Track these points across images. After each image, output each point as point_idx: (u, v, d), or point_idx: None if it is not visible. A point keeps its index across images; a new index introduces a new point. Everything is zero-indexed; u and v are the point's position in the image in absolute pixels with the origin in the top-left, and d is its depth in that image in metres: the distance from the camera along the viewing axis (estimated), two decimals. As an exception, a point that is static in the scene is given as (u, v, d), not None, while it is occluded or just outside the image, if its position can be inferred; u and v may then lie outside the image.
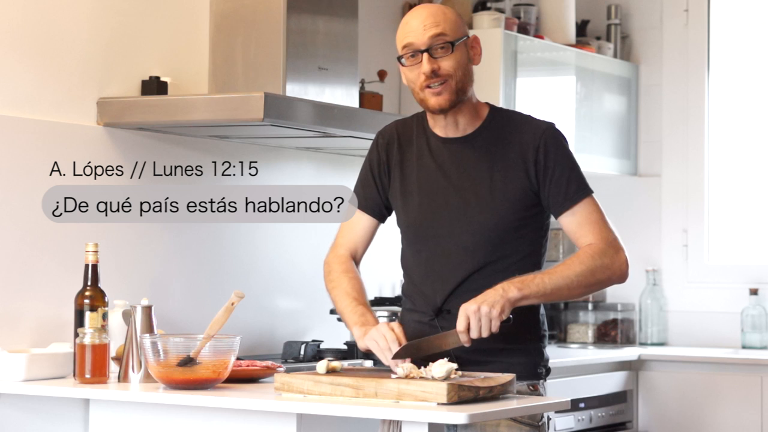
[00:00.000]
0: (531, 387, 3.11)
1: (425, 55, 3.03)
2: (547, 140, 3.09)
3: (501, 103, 4.91)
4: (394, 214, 3.24)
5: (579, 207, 3.08)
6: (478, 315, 2.92)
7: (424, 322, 3.11)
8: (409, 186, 3.17)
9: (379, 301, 4.72)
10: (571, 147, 5.27)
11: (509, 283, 2.97)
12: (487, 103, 3.19)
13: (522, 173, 3.08)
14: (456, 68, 3.04)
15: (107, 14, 3.92)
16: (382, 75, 4.63)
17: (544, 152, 3.08)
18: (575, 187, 3.08)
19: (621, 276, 3.12)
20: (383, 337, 2.97)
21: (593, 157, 5.49)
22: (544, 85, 5.34)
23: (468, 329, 2.94)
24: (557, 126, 3.16)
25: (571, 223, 3.09)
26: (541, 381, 3.16)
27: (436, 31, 3.03)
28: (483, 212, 3.08)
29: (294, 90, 4.05)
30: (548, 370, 3.19)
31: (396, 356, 2.93)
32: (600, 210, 3.11)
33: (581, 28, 5.65)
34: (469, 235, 3.09)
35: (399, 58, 3.08)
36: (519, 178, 3.08)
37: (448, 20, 3.05)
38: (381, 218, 3.26)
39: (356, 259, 3.26)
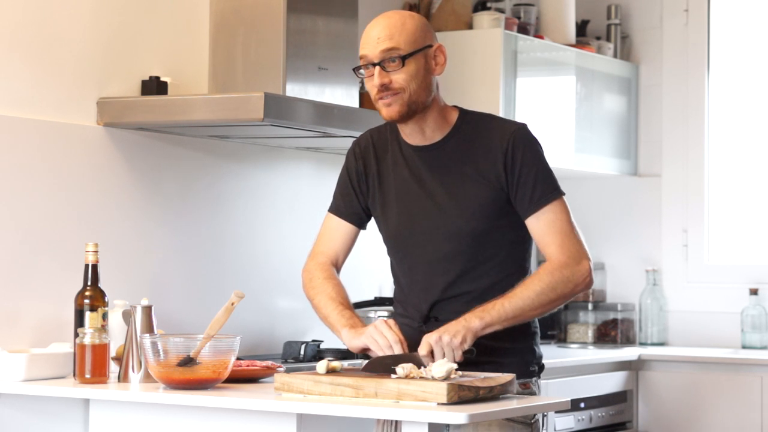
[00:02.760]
0: (522, 386, 3.12)
1: (377, 68, 3.02)
2: (515, 142, 3.07)
3: (501, 103, 4.91)
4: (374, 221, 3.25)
5: (543, 212, 3.06)
6: (440, 344, 2.95)
7: (413, 327, 3.12)
8: (387, 196, 3.17)
9: (379, 301, 4.72)
10: (571, 147, 5.35)
11: (471, 314, 2.98)
12: (455, 107, 3.17)
13: (493, 177, 3.07)
14: (409, 81, 3.02)
15: (107, 14, 3.92)
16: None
17: (511, 155, 3.06)
18: (540, 191, 3.06)
19: (584, 285, 3.07)
20: (382, 335, 2.98)
21: (593, 157, 5.49)
22: (544, 85, 5.34)
23: (432, 357, 2.95)
24: (528, 127, 3.13)
25: (535, 229, 3.08)
26: (534, 379, 3.17)
27: (388, 45, 3.01)
28: (458, 219, 3.08)
29: (294, 90, 4.05)
30: (541, 368, 3.19)
31: (366, 368, 2.93)
32: (566, 215, 3.08)
33: (581, 28, 5.65)
34: (447, 243, 3.09)
35: (356, 69, 3.08)
36: (491, 183, 3.07)
37: (405, 32, 3.02)
38: (361, 225, 3.26)
39: (337, 268, 3.26)
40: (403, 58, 3.01)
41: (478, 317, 2.97)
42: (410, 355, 2.96)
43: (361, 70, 3.07)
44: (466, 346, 2.96)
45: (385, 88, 3.02)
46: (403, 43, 3.02)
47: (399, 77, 3.02)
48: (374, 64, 3.03)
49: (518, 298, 3.00)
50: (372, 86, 3.05)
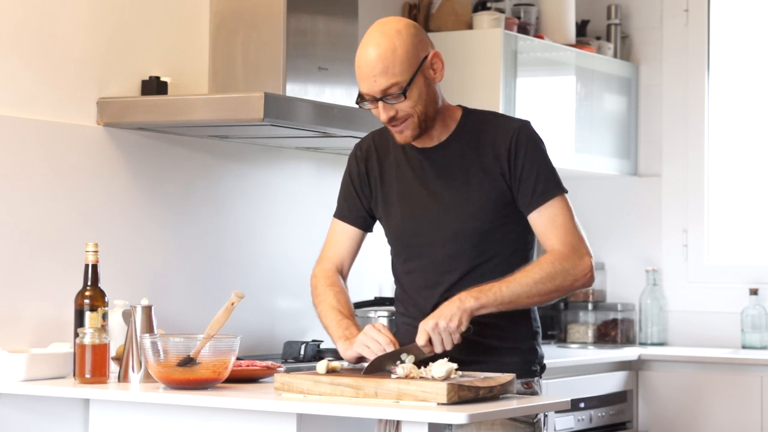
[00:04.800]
0: (525, 385, 3.12)
1: (380, 103, 3.01)
2: (518, 139, 3.07)
3: (501, 103, 4.91)
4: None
5: (545, 207, 3.06)
6: (437, 330, 2.94)
7: (415, 326, 3.11)
8: (390, 197, 3.17)
9: (379, 301, 4.72)
10: (571, 147, 5.35)
11: (466, 293, 2.97)
12: (459, 106, 3.17)
13: (497, 174, 3.07)
14: (414, 106, 3.01)
15: (107, 14, 3.92)
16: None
17: (515, 151, 3.07)
18: (543, 187, 3.06)
19: (585, 281, 3.07)
20: (374, 340, 2.98)
21: (593, 157, 5.49)
22: (544, 85, 5.34)
23: (430, 343, 2.95)
24: (532, 124, 3.13)
25: (538, 224, 3.08)
26: (536, 378, 3.17)
27: (385, 84, 2.98)
28: (463, 217, 3.08)
29: (294, 90, 4.05)
30: (543, 368, 3.19)
31: (367, 372, 2.92)
32: (568, 212, 3.08)
33: (581, 28, 5.65)
34: (452, 242, 3.09)
35: (359, 102, 3.05)
36: (495, 180, 3.07)
37: (398, 60, 2.98)
38: (366, 228, 3.26)
39: (343, 272, 3.26)
40: (404, 91, 2.99)
41: (474, 297, 2.96)
42: (409, 347, 2.96)
43: (365, 102, 3.04)
44: (463, 328, 2.95)
45: (392, 119, 3.02)
46: (399, 74, 2.98)
47: (404, 106, 3.01)
48: (376, 100, 3.01)
49: (516, 284, 3.00)
50: (378, 114, 3.04)
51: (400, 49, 2.98)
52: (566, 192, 3.10)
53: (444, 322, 2.94)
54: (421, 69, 3.02)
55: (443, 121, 3.12)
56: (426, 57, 3.03)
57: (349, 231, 3.25)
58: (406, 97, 2.99)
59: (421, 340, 2.95)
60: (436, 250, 3.11)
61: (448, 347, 2.94)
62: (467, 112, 3.16)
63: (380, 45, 2.99)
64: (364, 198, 3.23)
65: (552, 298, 3.06)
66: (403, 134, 3.06)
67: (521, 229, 3.11)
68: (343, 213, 3.26)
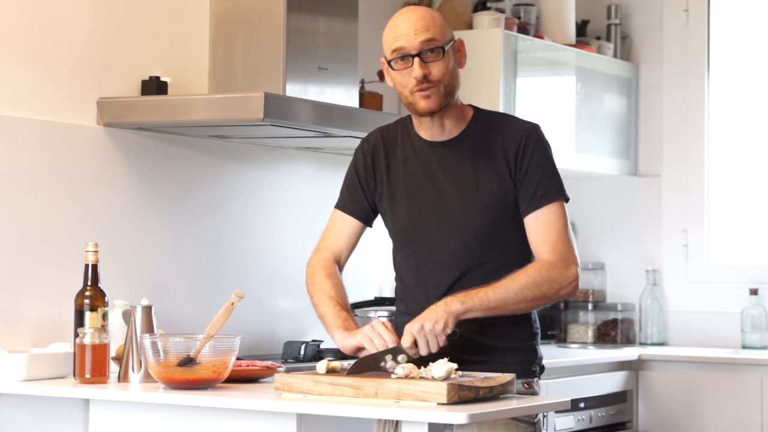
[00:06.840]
0: (526, 385, 3.13)
1: (416, 59, 3.03)
2: (527, 141, 3.10)
3: (501, 103, 4.92)
4: (380, 218, 3.25)
5: (542, 212, 3.08)
6: (422, 333, 2.94)
7: None
8: (396, 191, 3.18)
9: (379, 301, 4.72)
10: (571, 147, 5.35)
11: (453, 297, 2.98)
12: (470, 105, 3.19)
13: (506, 174, 3.09)
14: (445, 73, 3.05)
15: (107, 14, 3.92)
16: (382, 75, 4.62)
17: (522, 152, 3.09)
18: (543, 191, 3.08)
19: (570, 291, 3.08)
20: (379, 335, 2.97)
21: (593, 157, 5.49)
22: (544, 85, 5.34)
23: (415, 346, 2.95)
24: (541, 128, 3.15)
25: (531, 227, 3.09)
26: (536, 379, 3.17)
27: (426, 36, 3.03)
28: (470, 215, 3.09)
29: (294, 90, 4.05)
30: (542, 368, 3.20)
31: (350, 372, 2.92)
32: (563, 219, 3.09)
33: (581, 28, 5.65)
34: (457, 239, 3.10)
35: (389, 62, 3.08)
36: (503, 180, 3.09)
37: (436, 24, 3.06)
38: (367, 222, 3.26)
39: (340, 264, 3.26)
40: (443, 49, 3.04)
41: (460, 301, 2.97)
42: (394, 349, 2.95)
43: (392, 63, 3.07)
44: (449, 331, 2.95)
45: (425, 79, 3.04)
46: (439, 35, 3.05)
47: (438, 69, 3.05)
48: (413, 56, 3.04)
49: (503, 289, 3.01)
50: (407, 78, 3.05)
51: (437, 18, 3.08)
52: (567, 200, 3.11)
53: (429, 325, 2.94)
54: (452, 44, 3.08)
55: (457, 115, 3.14)
56: (454, 39, 3.11)
57: (349, 223, 3.25)
58: (443, 56, 3.04)
59: (406, 341, 2.95)
60: (439, 245, 3.11)
61: (434, 350, 2.95)
62: (479, 112, 3.18)
63: (417, 11, 3.08)
64: (369, 191, 3.23)
65: (538, 305, 3.08)
66: (430, 99, 3.06)
67: (523, 232, 3.12)
68: (345, 204, 3.26)
